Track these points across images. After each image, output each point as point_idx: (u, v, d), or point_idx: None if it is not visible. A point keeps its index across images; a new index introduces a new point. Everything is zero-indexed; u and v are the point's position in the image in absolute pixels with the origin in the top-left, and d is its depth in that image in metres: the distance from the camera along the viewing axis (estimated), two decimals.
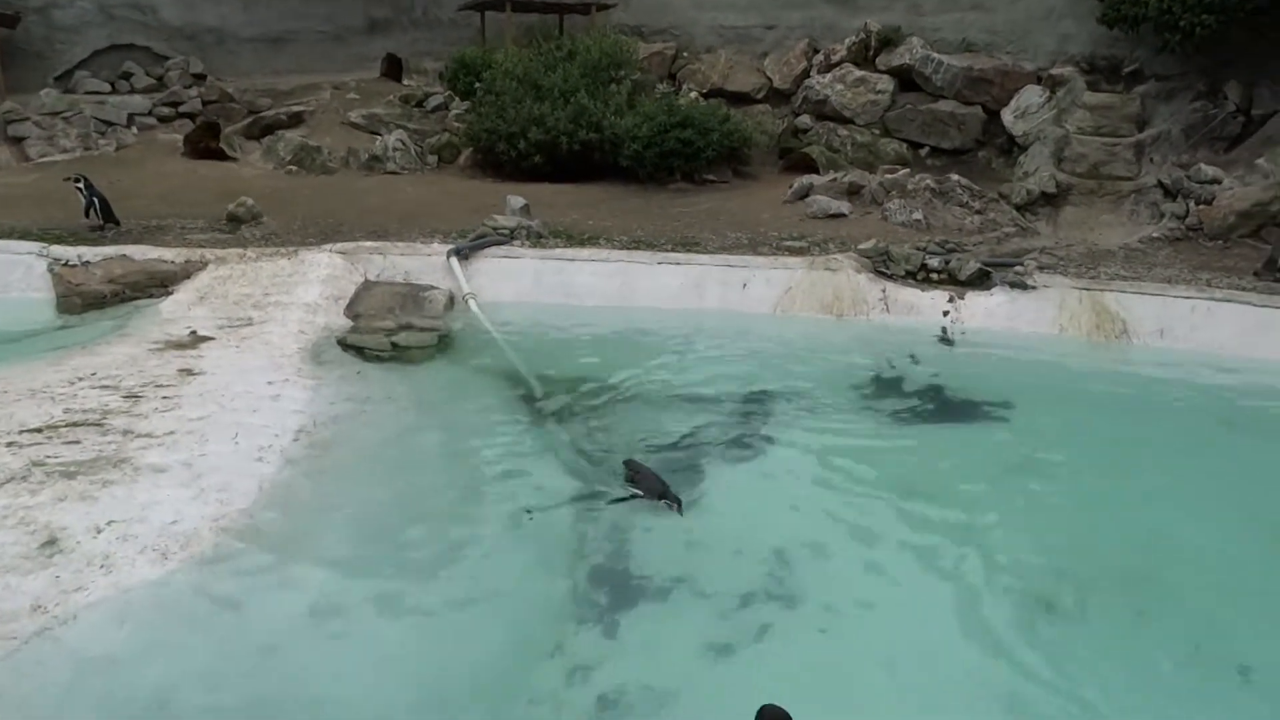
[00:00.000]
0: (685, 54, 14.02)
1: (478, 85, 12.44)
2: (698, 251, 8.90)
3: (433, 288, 8.14)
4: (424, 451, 5.78)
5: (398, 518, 5.05)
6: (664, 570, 4.74)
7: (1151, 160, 11.08)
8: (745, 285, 8.35)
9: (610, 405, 6.58)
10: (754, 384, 6.95)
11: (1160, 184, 10.65)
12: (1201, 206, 9.96)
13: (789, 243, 9.22)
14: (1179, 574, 4.84)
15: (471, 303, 8.02)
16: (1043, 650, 4.24)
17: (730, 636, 4.30)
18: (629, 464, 5.55)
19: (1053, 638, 4.33)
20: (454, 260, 8.38)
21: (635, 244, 9.07)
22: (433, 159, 12.48)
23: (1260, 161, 10.39)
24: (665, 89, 12.87)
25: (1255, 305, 7.68)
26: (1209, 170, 10.31)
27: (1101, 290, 8.04)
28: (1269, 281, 8.22)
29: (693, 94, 12.86)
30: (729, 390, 6.85)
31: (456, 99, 13.33)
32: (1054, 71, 11.99)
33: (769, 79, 13.51)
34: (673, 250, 8.90)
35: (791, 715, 3.13)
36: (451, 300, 8.07)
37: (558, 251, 8.74)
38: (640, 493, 5.28)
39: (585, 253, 8.72)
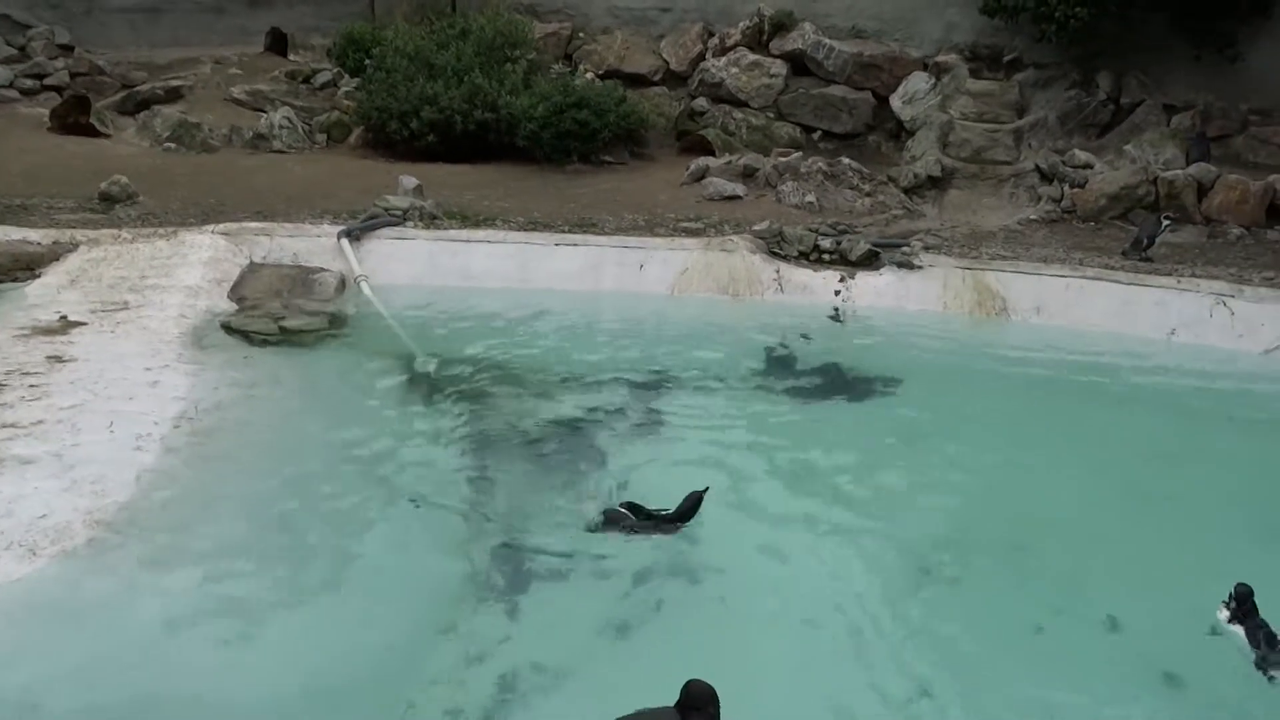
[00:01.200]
0: (581, 34, 13.90)
1: (368, 62, 12.06)
2: (595, 233, 8.88)
3: (323, 270, 7.91)
4: (314, 437, 5.64)
5: (286, 505, 4.91)
6: (562, 549, 4.76)
7: (1030, 145, 11.53)
8: (642, 266, 8.38)
9: (508, 387, 6.53)
10: (651, 364, 7.00)
11: (1037, 168, 11.10)
12: (1075, 190, 10.44)
13: (686, 224, 9.28)
14: (1054, 538, 5.10)
15: (364, 285, 7.82)
16: (928, 614, 4.42)
17: (630, 613, 4.35)
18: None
19: (938, 602, 4.52)
20: (344, 242, 8.15)
21: (532, 225, 8.99)
22: (321, 137, 12.07)
23: (1128, 148, 10.95)
24: (561, 69, 12.73)
25: (1122, 284, 8.11)
26: (1082, 155, 10.80)
27: (983, 270, 8.35)
28: (1135, 261, 8.67)
29: (589, 75, 12.76)
30: (626, 370, 6.88)
31: (346, 76, 12.91)
32: (939, 59, 12.34)
33: (665, 61, 13.51)
34: (570, 232, 8.85)
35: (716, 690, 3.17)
36: (343, 283, 7.85)
37: (453, 233, 8.59)
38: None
39: (481, 234, 8.59)
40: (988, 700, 3.93)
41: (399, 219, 8.64)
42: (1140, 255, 8.75)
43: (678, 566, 4.61)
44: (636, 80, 13.24)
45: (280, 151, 11.52)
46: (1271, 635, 4.09)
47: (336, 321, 7.22)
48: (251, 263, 7.93)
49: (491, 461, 5.52)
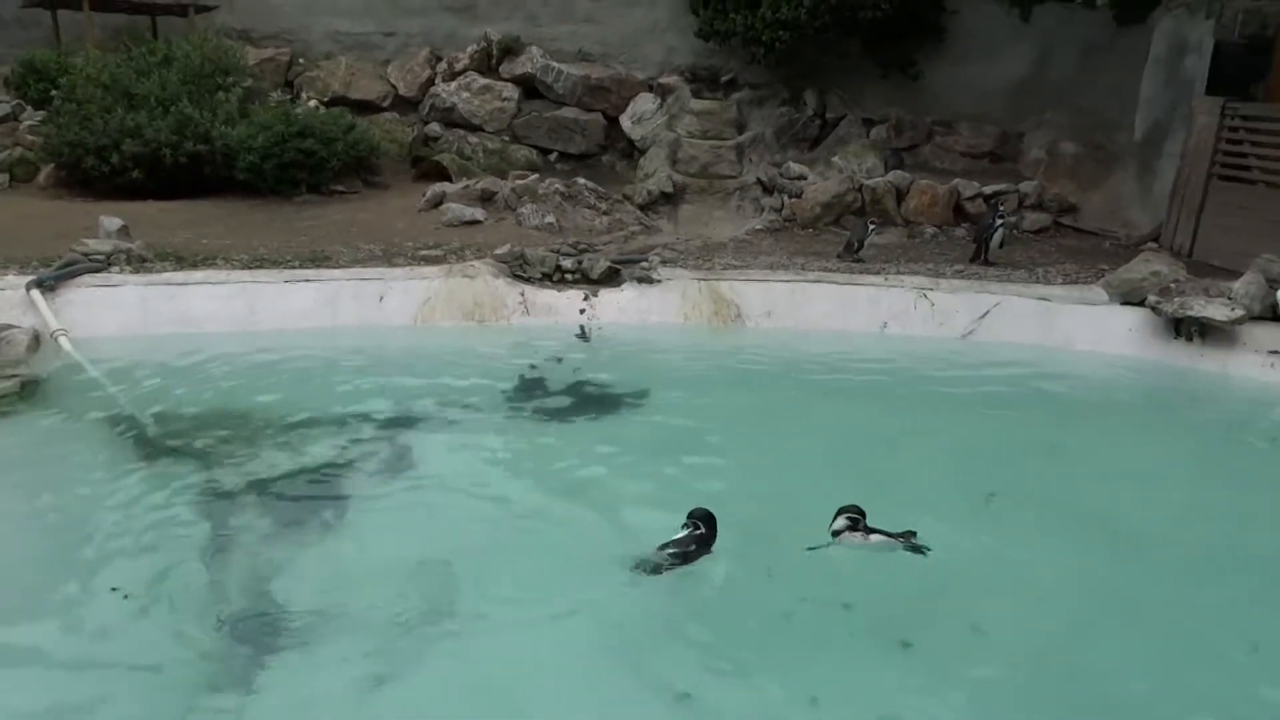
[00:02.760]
0: (302, 60, 13.33)
1: (55, 93, 10.92)
2: (329, 266, 8.49)
3: (10, 327, 7.01)
4: (7, 520, 4.96)
5: None
6: (309, 609, 4.45)
7: (750, 160, 12.30)
8: (382, 298, 8.10)
9: (241, 439, 6.07)
10: (398, 399, 6.76)
11: (759, 181, 11.87)
12: (793, 200, 11.24)
13: (425, 252, 9.08)
14: (796, 528, 5.38)
15: (63, 340, 7.02)
16: (686, 616, 4.54)
17: (387, 666, 4.13)
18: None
19: (694, 604, 4.64)
20: (35, 293, 7.29)
21: (259, 262, 8.46)
22: (3, 178, 10.78)
23: (835, 159, 11.94)
24: (281, 97, 12.13)
25: (839, 284, 8.78)
26: (796, 168, 11.65)
27: (717, 280, 8.77)
28: (848, 262, 9.45)
29: (312, 102, 12.26)
30: (371, 408, 6.60)
31: (29, 108, 11.62)
32: (663, 80, 12.92)
33: (394, 86, 13.24)
34: (302, 267, 8.41)
35: None
36: (37, 339, 7.00)
37: (167, 276, 7.91)
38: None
39: (200, 275, 7.97)
40: (749, 693, 4.09)
41: (102, 264, 7.87)
42: (853, 257, 9.55)
43: (432, 611, 4.44)
44: (365, 107, 12.90)
45: None
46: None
47: (31, 384, 6.43)
48: None
49: (225, 523, 5.09)
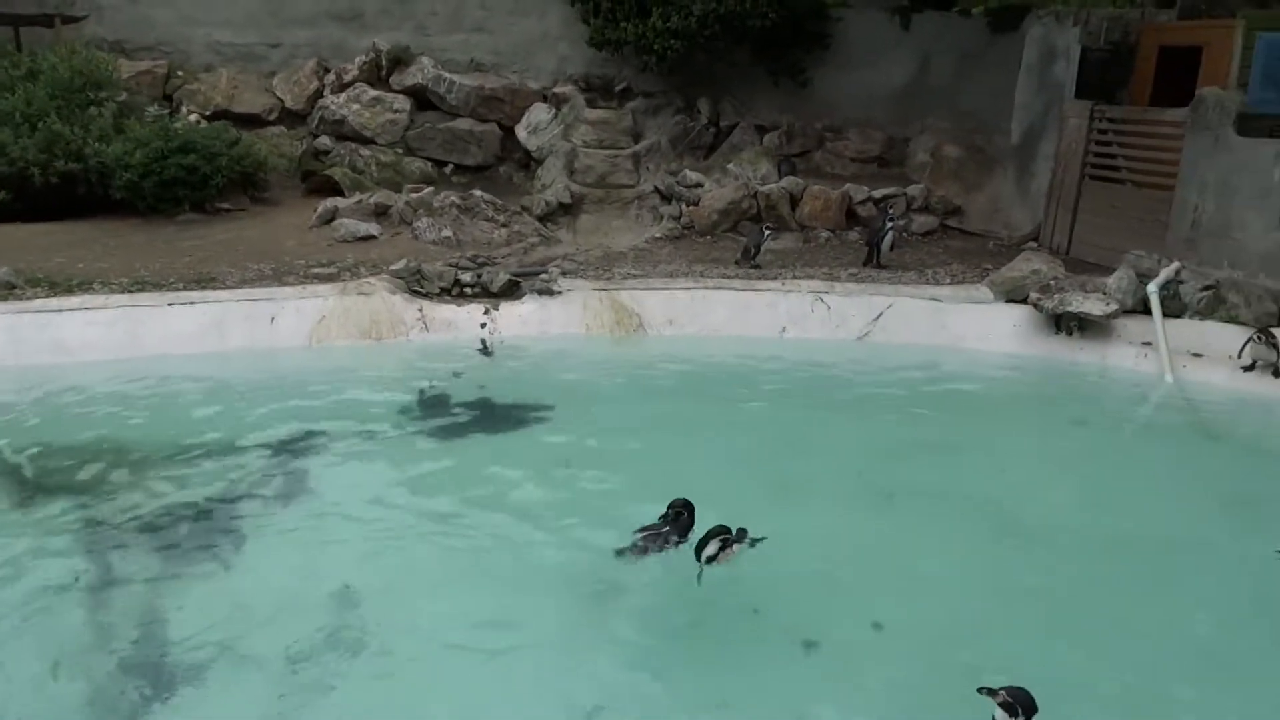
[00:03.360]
0: (181, 73, 12.81)
1: None
2: (216, 288, 8.20)
3: None
4: None
5: None
6: (208, 644, 4.30)
7: (647, 169, 12.36)
8: (274, 319, 7.84)
9: (125, 472, 5.80)
10: (294, 423, 6.56)
11: (656, 190, 11.94)
12: (691, 207, 11.34)
13: (318, 269, 8.84)
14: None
15: None
16: (601, 625, 4.54)
17: (290, 701, 4.00)
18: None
19: (609, 613, 4.64)
20: None
21: (140, 286, 8.11)
22: None
23: (730, 166, 12.11)
24: (158, 111, 11.63)
25: (738, 290, 8.90)
26: (693, 175, 11.76)
27: (618, 290, 8.78)
28: (746, 268, 9.59)
29: (193, 116, 11.80)
30: (266, 434, 6.39)
31: None
32: (557, 90, 12.87)
33: (280, 99, 12.84)
34: (186, 289, 8.10)
35: None
36: None
37: (39, 303, 7.51)
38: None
39: (75, 301, 7.58)
40: (664, 698, 4.11)
41: None
42: (750, 263, 9.69)
43: (338, 643, 4.32)
44: (250, 120, 12.50)
45: None
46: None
47: None
48: None
49: (109, 564, 4.85)
